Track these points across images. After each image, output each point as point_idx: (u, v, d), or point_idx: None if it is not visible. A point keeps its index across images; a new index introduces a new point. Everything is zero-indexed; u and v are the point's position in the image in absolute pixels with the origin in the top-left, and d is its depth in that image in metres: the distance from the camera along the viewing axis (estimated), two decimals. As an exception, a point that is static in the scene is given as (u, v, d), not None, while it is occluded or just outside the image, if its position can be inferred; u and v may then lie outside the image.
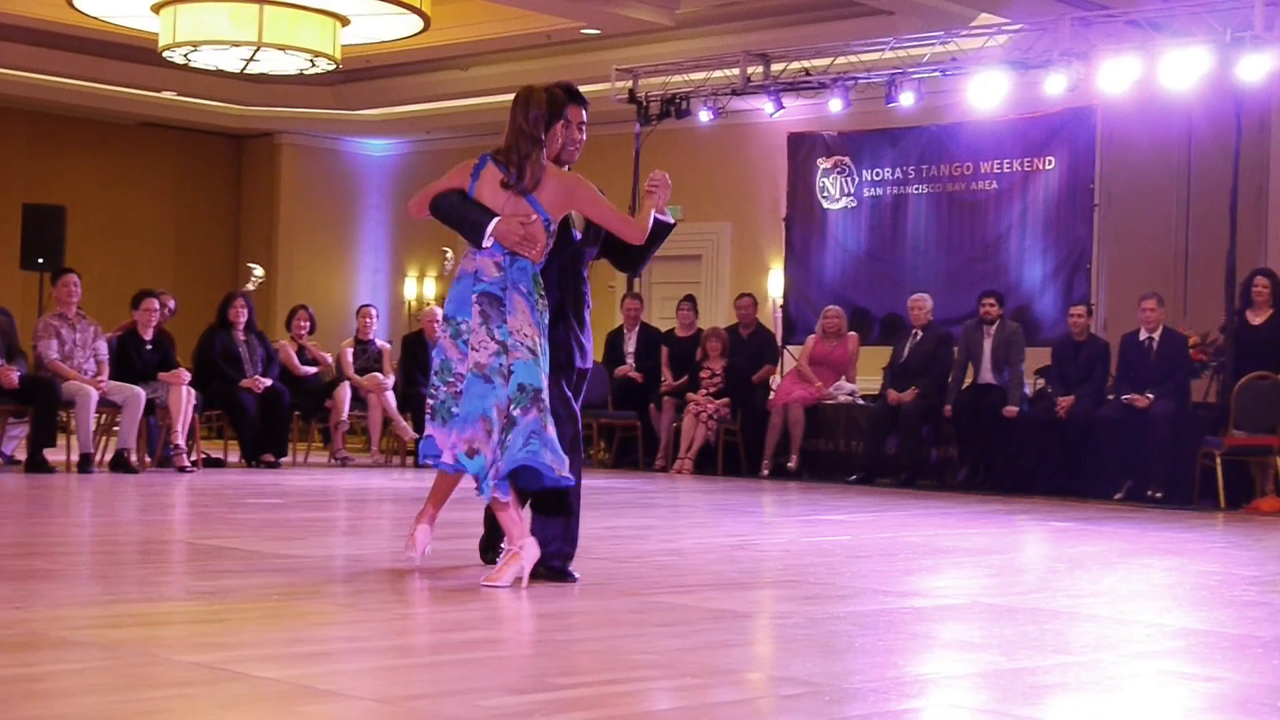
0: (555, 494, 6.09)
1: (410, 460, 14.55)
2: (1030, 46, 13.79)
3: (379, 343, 15.00)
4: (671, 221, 6.25)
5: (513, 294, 5.91)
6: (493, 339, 5.87)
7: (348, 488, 11.85)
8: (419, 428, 14.51)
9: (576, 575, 6.13)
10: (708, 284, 18.77)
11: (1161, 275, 14.82)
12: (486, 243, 5.94)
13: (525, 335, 5.87)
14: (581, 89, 6.34)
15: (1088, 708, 4.12)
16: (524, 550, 5.90)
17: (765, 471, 14.18)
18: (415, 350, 14.89)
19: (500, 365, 5.85)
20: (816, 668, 4.47)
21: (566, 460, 5.90)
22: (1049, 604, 6.09)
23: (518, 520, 5.95)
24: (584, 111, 6.20)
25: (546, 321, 5.99)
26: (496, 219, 5.94)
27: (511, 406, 5.83)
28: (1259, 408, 12.05)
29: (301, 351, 14.43)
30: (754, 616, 5.66)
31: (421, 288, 21.46)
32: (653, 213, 6.13)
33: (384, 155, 22.06)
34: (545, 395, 5.86)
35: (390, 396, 14.49)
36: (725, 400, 14.45)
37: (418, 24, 16.19)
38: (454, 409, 5.89)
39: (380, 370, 14.65)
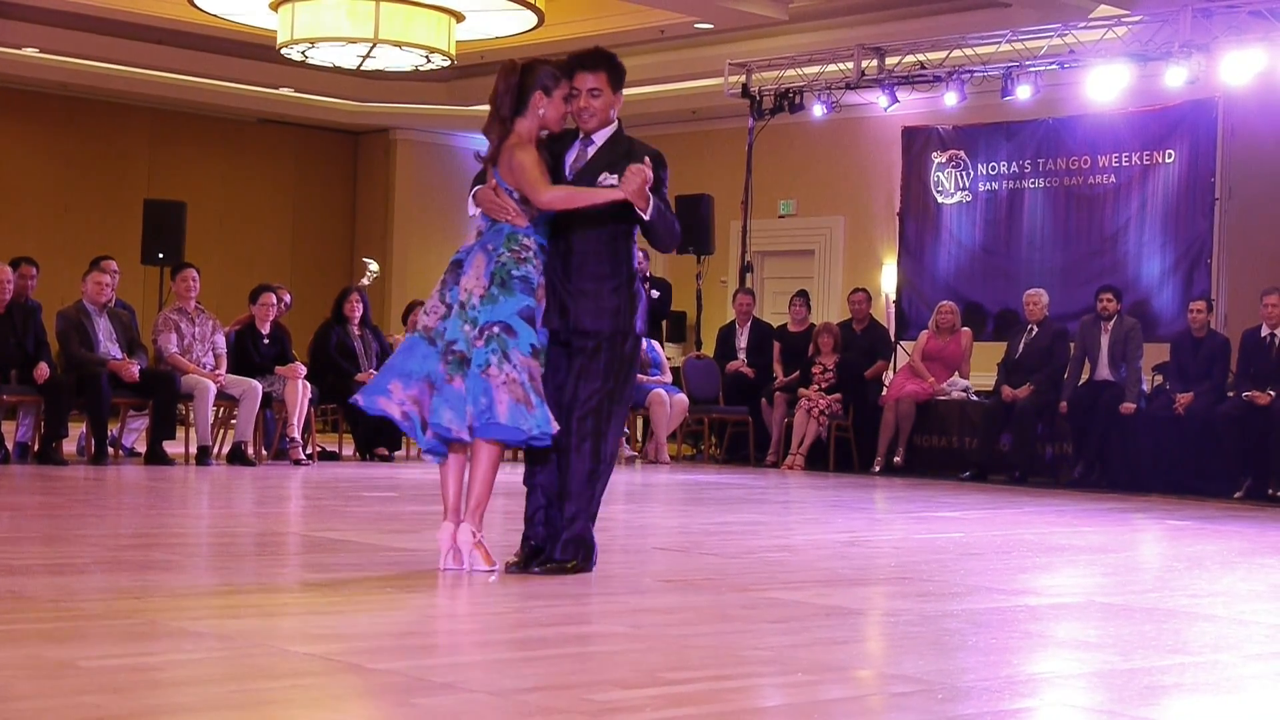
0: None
1: (521, 454, 14.58)
2: (1150, 38, 13.61)
3: (492, 337, 15.05)
4: (646, 219, 5.98)
5: (476, 253, 6.00)
6: (443, 303, 5.97)
7: (461, 481, 11.90)
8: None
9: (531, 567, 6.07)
10: (820, 279, 18.70)
11: (1284, 270, 14.57)
12: (472, 210, 6.12)
13: (465, 290, 5.93)
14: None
15: (1205, 709, 4.06)
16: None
17: (877, 468, 14.11)
18: (528, 345, 14.95)
19: (442, 329, 5.94)
20: (928, 665, 4.44)
21: (502, 412, 5.80)
22: (1166, 603, 6.00)
23: (447, 492, 6.05)
24: (593, 76, 6.06)
25: (537, 280, 5.96)
26: (478, 187, 6.07)
27: (446, 368, 5.86)
28: (1384, 405, 11.82)
29: (416, 346, 14.52)
30: (865, 613, 5.63)
31: (534, 282, 21.52)
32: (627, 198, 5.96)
33: (498, 151, 22.14)
34: (480, 361, 5.80)
35: (503, 391, 14.53)
36: (837, 396, 14.38)
37: (532, 20, 16.28)
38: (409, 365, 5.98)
39: (493, 364, 14.70)
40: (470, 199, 6.11)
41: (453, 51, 16.28)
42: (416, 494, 10.43)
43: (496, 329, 5.83)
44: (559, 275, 6.04)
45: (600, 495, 6.18)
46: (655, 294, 16.11)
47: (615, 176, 5.97)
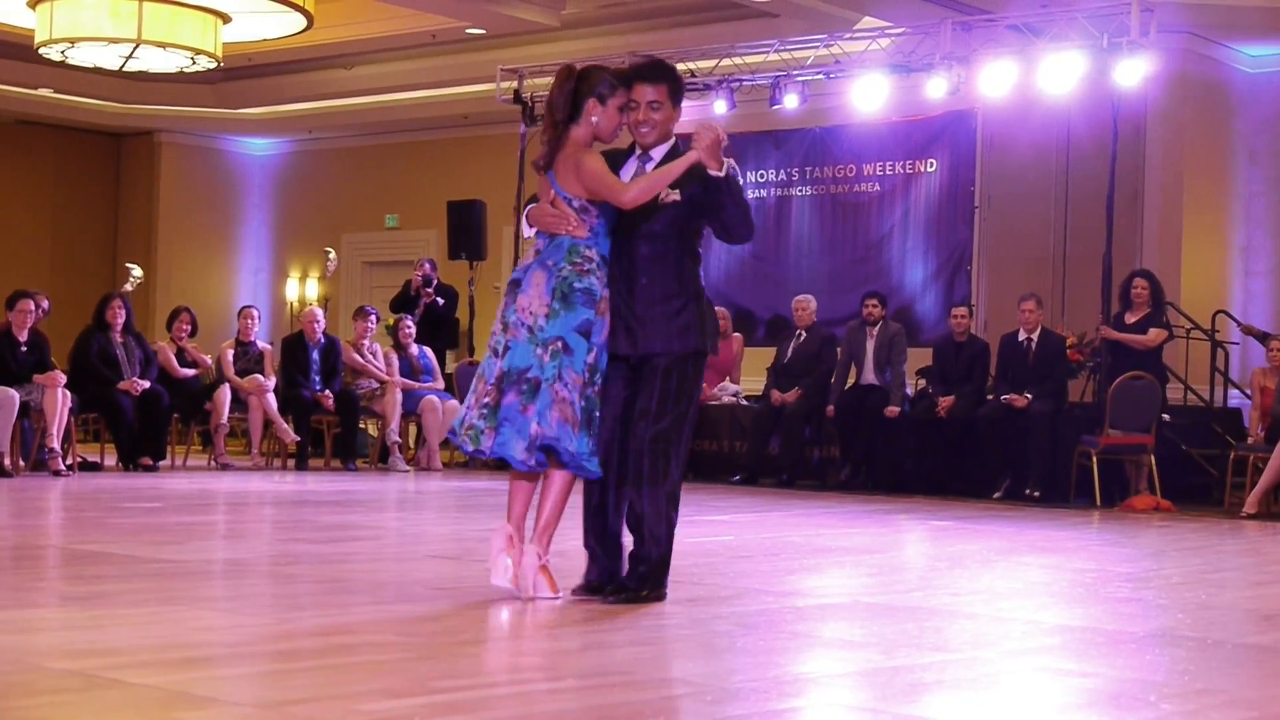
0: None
1: (291, 463, 14.41)
2: (912, 50, 13.92)
3: (260, 344, 14.84)
4: (720, 175, 5.73)
5: (535, 271, 5.72)
6: (501, 321, 5.74)
7: (228, 491, 11.72)
8: (300, 430, 14.39)
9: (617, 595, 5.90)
10: (593, 285, 18.73)
11: (1040, 276, 15.02)
12: (527, 232, 5.86)
13: (529, 312, 5.67)
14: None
15: (965, 704, 4.16)
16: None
17: (650, 472, 14.17)
18: (296, 352, 14.74)
19: (499, 343, 5.71)
20: (698, 668, 4.48)
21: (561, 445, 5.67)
22: (928, 602, 6.14)
23: (513, 502, 6.01)
24: (653, 88, 5.85)
25: (600, 291, 5.72)
26: (531, 205, 5.85)
27: (503, 382, 5.65)
28: (1134, 407, 12.24)
29: (181, 353, 14.25)
30: (637, 617, 5.66)
31: (303, 288, 21.27)
32: (710, 170, 5.74)
33: (266, 154, 21.85)
34: (548, 376, 5.61)
35: (271, 398, 14.34)
36: (610, 401, 14.41)
37: (301, 22, 16.06)
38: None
39: (261, 372, 14.49)
40: (524, 219, 5.84)
41: (219, 53, 15.99)
42: (181, 504, 10.23)
43: (557, 344, 5.62)
44: (623, 297, 5.80)
45: (675, 518, 6.11)
46: (440, 301, 16.03)
47: (677, 193, 5.77)
